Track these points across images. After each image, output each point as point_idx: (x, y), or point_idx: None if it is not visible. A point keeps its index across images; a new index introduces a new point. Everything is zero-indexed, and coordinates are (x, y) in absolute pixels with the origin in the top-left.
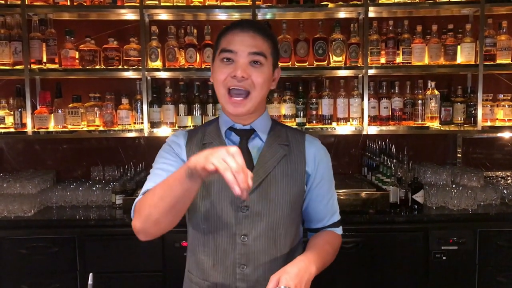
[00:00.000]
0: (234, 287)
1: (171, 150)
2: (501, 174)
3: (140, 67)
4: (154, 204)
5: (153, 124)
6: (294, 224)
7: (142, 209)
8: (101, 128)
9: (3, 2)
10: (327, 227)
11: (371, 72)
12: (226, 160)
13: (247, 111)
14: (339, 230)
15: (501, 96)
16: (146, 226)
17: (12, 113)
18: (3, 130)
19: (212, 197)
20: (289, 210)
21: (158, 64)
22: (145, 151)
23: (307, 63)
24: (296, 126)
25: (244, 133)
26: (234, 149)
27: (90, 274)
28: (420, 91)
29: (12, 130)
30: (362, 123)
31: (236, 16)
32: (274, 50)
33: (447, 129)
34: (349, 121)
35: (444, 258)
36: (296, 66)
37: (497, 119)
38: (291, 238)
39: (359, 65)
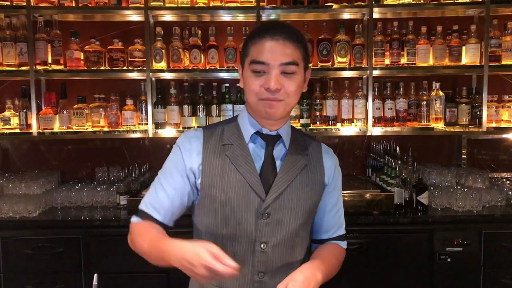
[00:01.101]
0: None
1: (180, 161)
2: (506, 176)
3: (144, 68)
4: (143, 250)
5: (158, 125)
6: (308, 232)
7: (135, 242)
8: (105, 129)
9: (9, 3)
10: (332, 239)
11: (375, 73)
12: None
13: (281, 113)
14: (343, 244)
15: (506, 97)
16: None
17: (17, 114)
18: (8, 131)
19: (233, 203)
20: (306, 219)
21: (162, 65)
22: (150, 151)
23: (311, 64)
24: (301, 127)
25: (271, 139)
26: (205, 258)
27: (95, 275)
28: (425, 92)
29: (17, 130)
30: (367, 124)
31: (240, 17)
32: (305, 53)
33: (452, 130)
34: (353, 122)
35: (449, 259)
36: None
37: (502, 120)
38: (305, 246)
39: (363, 66)
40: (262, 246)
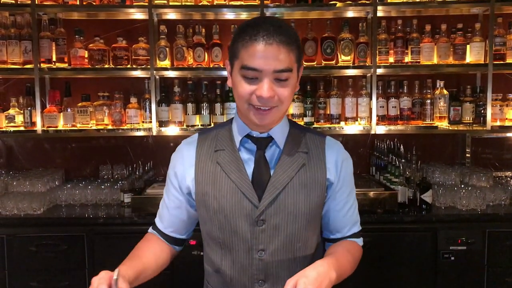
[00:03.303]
0: None
1: (173, 175)
2: (510, 174)
3: (148, 66)
4: None
5: (162, 123)
6: (315, 234)
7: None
8: (109, 127)
9: (13, 1)
10: (347, 238)
11: (379, 71)
12: None
13: (273, 122)
14: (360, 241)
15: (510, 96)
16: None
17: (22, 111)
18: (13, 129)
19: (226, 210)
20: (308, 222)
21: (166, 63)
22: (154, 150)
23: (315, 62)
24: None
25: (262, 142)
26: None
27: (116, 270)
28: (429, 91)
29: (22, 128)
30: (371, 122)
31: (244, 15)
32: (299, 53)
33: (456, 129)
34: (357, 120)
35: (452, 258)
36: (304, 65)
37: (506, 118)
38: (311, 250)
39: (367, 65)
40: (259, 254)
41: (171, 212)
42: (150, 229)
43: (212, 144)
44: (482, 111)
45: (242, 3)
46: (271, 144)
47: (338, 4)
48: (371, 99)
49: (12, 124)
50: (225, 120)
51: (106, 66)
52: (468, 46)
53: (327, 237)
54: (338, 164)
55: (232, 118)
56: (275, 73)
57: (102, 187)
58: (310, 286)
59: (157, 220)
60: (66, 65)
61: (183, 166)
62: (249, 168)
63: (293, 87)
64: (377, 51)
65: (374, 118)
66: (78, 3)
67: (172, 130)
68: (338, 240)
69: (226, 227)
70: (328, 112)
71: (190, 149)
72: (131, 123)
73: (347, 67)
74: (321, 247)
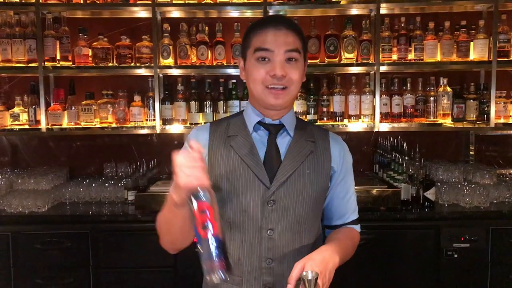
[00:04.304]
0: (261, 281)
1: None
2: None
3: (152, 65)
4: (161, 230)
5: (165, 121)
6: (317, 219)
7: (159, 231)
8: (113, 125)
9: (18, 0)
10: (346, 224)
11: (382, 69)
12: (182, 175)
13: (285, 103)
14: (358, 228)
15: None
16: (167, 247)
17: (26, 110)
18: (17, 127)
19: (238, 191)
20: (314, 205)
21: (170, 61)
22: (157, 147)
23: (318, 60)
24: None
25: (273, 128)
26: (179, 159)
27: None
28: (432, 88)
29: (26, 126)
30: (374, 120)
31: (248, 13)
32: (304, 45)
33: (460, 126)
34: (360, 118)
35: (455, 255)
36: (308, 63)
37: (510, 116)
38: (314, 232)
39: (370, 62)
40: (268, 232)
41: None
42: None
43: (225, 131)
44: (486, 109)
45: (246, 1)
46: (282, 131)
47: (342, 2)
48: (374, 96)
49: (16, 122)
50: None
51: (110, 64)
52: (471, 43)
53: (328, 224)
54: (341, 155)
55: (242, 110)
56: (286, 53)
57: (106, 184)
58: (316, 268)
59: None
60: (70, 63)
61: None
62: (261, 152)
63: (302, 73)
64: (381, 49)
65: (378, 116)
66: (82, 1)
67: (175, 128)
68: (339, 226)
69: (238, 206)
70: (332, 110)
71: (203, 133)
72: (134, 121)
73: (351, 65)
74: (321, 237)
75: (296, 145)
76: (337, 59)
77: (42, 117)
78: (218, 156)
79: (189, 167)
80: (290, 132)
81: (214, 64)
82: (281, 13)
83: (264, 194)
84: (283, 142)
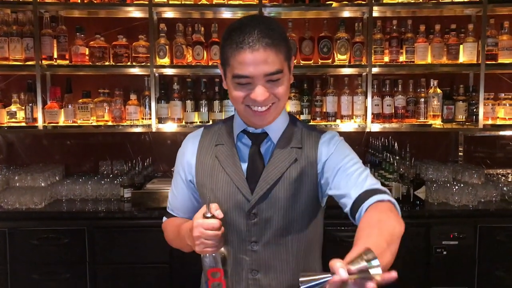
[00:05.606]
0: None
1: (179, 164)
2: (501, 172)
3: (148, 64)
4: (169, 239)
5: (161, 120)
6: (309, 225)
7: (166, 238)
8: (109, 123)
9: None
10: (369, 199)
11: (374, 70)
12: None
13: (274, 119)
14: (385, 196)
15: (502, 95)
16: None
17: (23, 107)
18: (14, 125)
19: (221, 203)
20: (299, 215)
21: (166, 61)
22: (153, 146)
23: (312, 61)
24: None
25: (257, 137)
26: (197, 228)
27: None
28: (423, 90)
29: (23, 124)
30: (366, 120)
31: (242, 14)
32: (287, 50)
33: (449, 127)
34: (352, 118)
35: (444, 252)
36: (302, 64)
37: (498, 117)
38: (304, 240)
39: (363, 64)
40: (252, 245)
41: (180, 201)
42: (164, 219)
43: (214, 138)
44: (475, 110)
45: (241, 2)
46: (267, 140)
47: (334, 4)
48: (366, 97)
49: (13, 120)
50: (223, 117)
51: (107, 63)
52: (461, 46)
53: (351, 214)
54: (329, 145)
55: None
56: (266, 76)
57: (102, 182)
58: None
59: (169, 210)
60: (67, 62)
61: (187, 159)
62: (245, 163)
63: (288, 82)
64: (373, 51)
65: (369, 116)
66: (79, 1)
67: (171, 127)
68: (359, 208)
69: (222, 219)
70: (324, 110)
71: (194, 142)
72: (130, 120)
73: (343, 66)
74: (318, 237)
75: (279, 154)
76: (330, 60)
77: (39, 115)
78: (204, 166)
79: (208, 236)
80: (274, 140)
81: (210, 64)
82: (274, 14)
83: (245, 207)
84: (267, 150)
